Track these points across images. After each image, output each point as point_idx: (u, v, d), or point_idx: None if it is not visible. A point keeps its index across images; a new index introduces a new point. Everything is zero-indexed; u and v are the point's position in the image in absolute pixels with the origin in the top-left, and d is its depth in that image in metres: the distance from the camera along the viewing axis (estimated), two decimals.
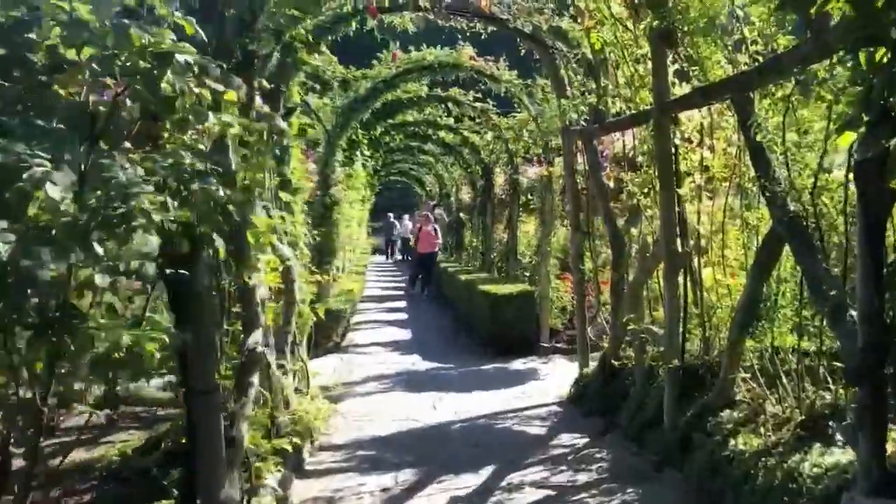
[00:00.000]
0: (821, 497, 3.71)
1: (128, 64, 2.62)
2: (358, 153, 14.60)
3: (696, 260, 6.22)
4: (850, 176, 3.57)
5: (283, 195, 6.98)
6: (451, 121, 15.66)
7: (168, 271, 3.20)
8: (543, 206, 12.09)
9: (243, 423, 4.30)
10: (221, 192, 2.88)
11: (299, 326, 7.36)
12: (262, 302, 4.99)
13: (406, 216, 32.75)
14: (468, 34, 8.90)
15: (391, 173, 28.64)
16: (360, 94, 11.67)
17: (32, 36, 2.70)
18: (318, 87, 11.39)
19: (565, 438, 6.81)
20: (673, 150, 6.09)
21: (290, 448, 5.45)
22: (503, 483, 5.62)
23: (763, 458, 4.37)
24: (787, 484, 3.98)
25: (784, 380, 4.91)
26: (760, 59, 4.81)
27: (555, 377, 9.41)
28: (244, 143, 4.79)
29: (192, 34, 2.89)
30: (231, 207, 3.39)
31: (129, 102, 2.76)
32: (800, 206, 4.41)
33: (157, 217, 2.38)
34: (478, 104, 13.50)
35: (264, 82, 5.93)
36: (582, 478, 5.71)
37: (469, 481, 5.64)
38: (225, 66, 4.91)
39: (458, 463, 6.02)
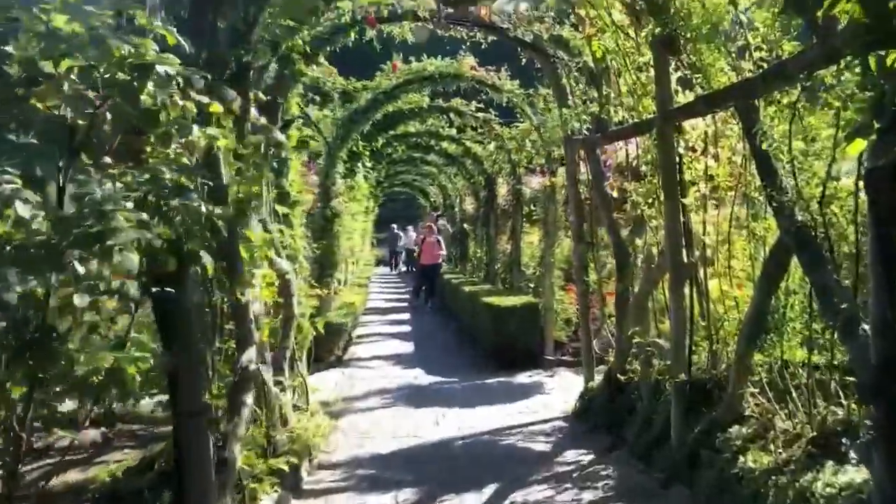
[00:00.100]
0: None
1: (107, 76, 2.52)
2: (359, 165, 14.52)
3: (702, 271, 6.09)
4: (861, 184, 3.45)
5: (282, 208, 6.89)
6: (454, 131, 15.63)
7: (154, 289, 3.10)
8: (547, 216, 11.97)
9: (236, 443, 4.18)
10: (204, 208, 2.76)
11: (299, 341, 7.26)
12: (256, 318, 4.88)
13: (410, 227, 32.68)
14: (468, 44, 8.82)
15: (395, 184, 28.62)
16: (360, 105, 11.60)
17: (9, 49, 2.61)
18: (318, 98, 11.35)
19: (570, 455, 6.66)
20: (677, 159, 5.98)
21: (286, 467, 5.33)
22: (506, 503, 5.48)
23: (774, 477, 4.23)
24: None
25: (794, 395, 4.77)
26: (765, 65, 4.70)
27: (560, 391, 9.26)
28: (239, 157, 4.70)
29: (174, 44, 2.78)
30: (219, 223, 3.29)
31: (109, 116, 2.66)
32: (808, 216, 4.29)
33: (133, 235, 2.27)
34: (480, 114, 13.42)
35: (260, 94, 5.84)
36: (587, 496, 5.57)
37: (471, 501, 5.50)
38: (218, 77, 4.87)
39: (461, 482, 5.88)
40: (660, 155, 6.00)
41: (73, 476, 5.21)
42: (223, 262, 4.29)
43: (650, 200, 6.69)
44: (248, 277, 4.54)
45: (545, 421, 7.95)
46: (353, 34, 7.86)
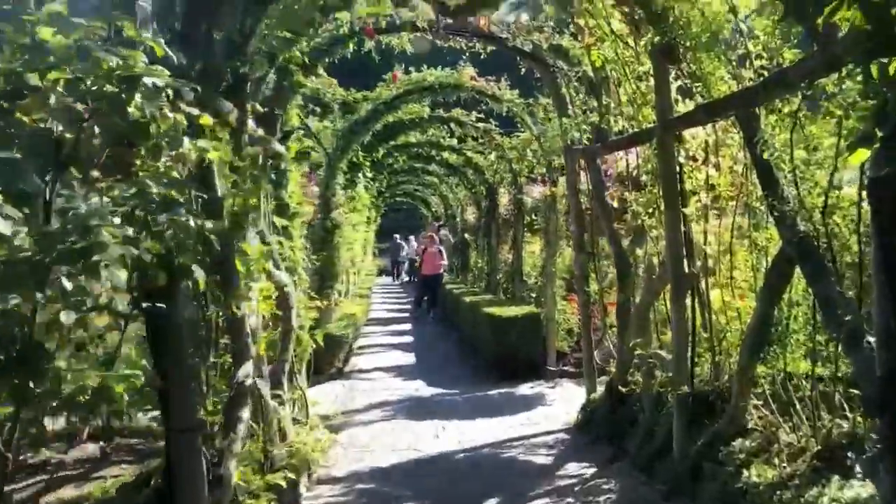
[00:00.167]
0: None
1: (94, 88, 2.48)
2: (360, 175, 14.49)
3: (703, 282, 6.02)
4: (863, 193, 3.40)
5: (281, 220, 6.84)
6: (455, 141, 15.62)
7: (144, 304, 3.05)
8: (548, 226, 11.91)
9: (231, 460, 4.12)
10: (193, 222, 2.70)
11: (298, 354, 7.20)
12: (252, 332, 4.82)
13: (413, 237, 32.64)
14: (467, 54, 8.81)
15: (396, 194, 28.62)
16: (360, 116, 11.58)
17: None
18: (318, 109, 11.34)
19: (572, 468, 6.58)
20: (677, 168, 5.93)
21: (284, 483, 5.25)
22: None
23: (778, 491, 4.15)
24: None
25: (798, 407, 4.70)
26: (765, 73, 4.65)
27: (562, 402, 9.18)
28: (235, 169, 4.66)
29: (164, 56, 2.73)
30: (212, 237, 3.24)
31: (97, 129, 2.61)
32: (810, 226, 4.23)
33: (118, 251, 2.22)
34: (480, 124, 13.40)
35: (258, 106, 5.80)
36: None
37: None
38: (215, 89, 4.83)
39: (460, 497, 5.82)
40: (660, 164, 5.95)
41: (67, 492, 5.15)
42: (217, 275, 4.24)
43: (651, 210, 6.63)
44: (244, 291, 4.48)
45: (547, 433, 7.88)
46: (351, 45, 7.86)
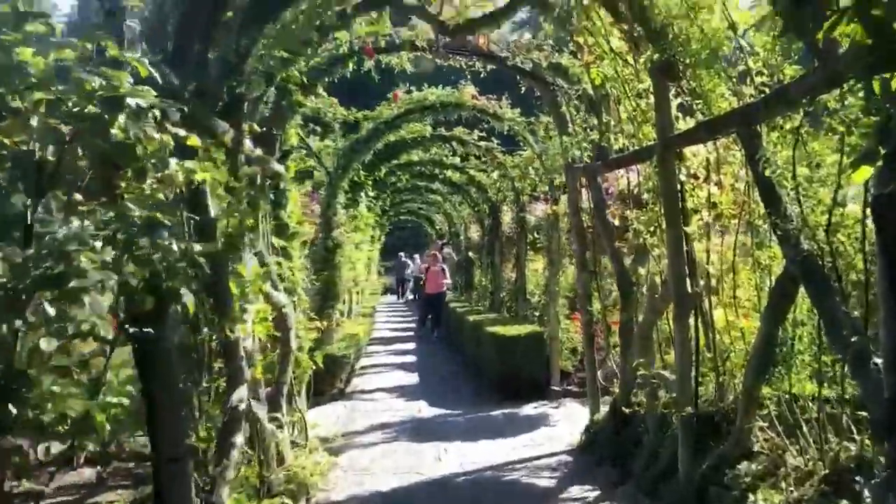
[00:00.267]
0: None
1: (75, 109, 2.42)
2: (362, 194, 14.46)
3: (706, 301, 5.93)
4: (867, 211, 3.32)
5: (279, 240, 6.79)
6: (457, 160, 15.58)
7: (131, 329, 2.98)
8: (550, 244, 11.83)
9: (224, 487, 4.03)
10: (176, 246, 2.63)
11: (297, 376, 7.12)
12: (248, 355, 4.73)
13: (418, 255, 32.57)
14: (468, 73, 8.79)
15: (400, 213, 28.60)
16: (361, 135, 11.57)
17: None
18: (318, 129, 11.33)
19: (576, 491, 6.46)
20: (679, 186, 5.86)
21: None
22: None
23: None
24: None
25: (805, 429, 4.59)
26: (766, 90, 4.59)
27: (566, 423, 9.05)
28: (231, 189, 4.60)
29: (148, 76, 2.68)
30: (201, 259, 3.17)
31: (80, 151, 2.56)
32: (814, 245, 4.14)
33: (97, 276, 2.15)
34: (482, 143, 13.37)
35: (255, 125, 5.76)
36: None
37: None
38: (210, 109, 4.79)
39: None
40: (661, 182, 5.88)
41: None
42: (211, 298, 4.18)
43: (652, 228, 6.55)
44: (238, 313, 4.41)
45: (550, 454, 7.75)
46: (351, 64, 7.83)
